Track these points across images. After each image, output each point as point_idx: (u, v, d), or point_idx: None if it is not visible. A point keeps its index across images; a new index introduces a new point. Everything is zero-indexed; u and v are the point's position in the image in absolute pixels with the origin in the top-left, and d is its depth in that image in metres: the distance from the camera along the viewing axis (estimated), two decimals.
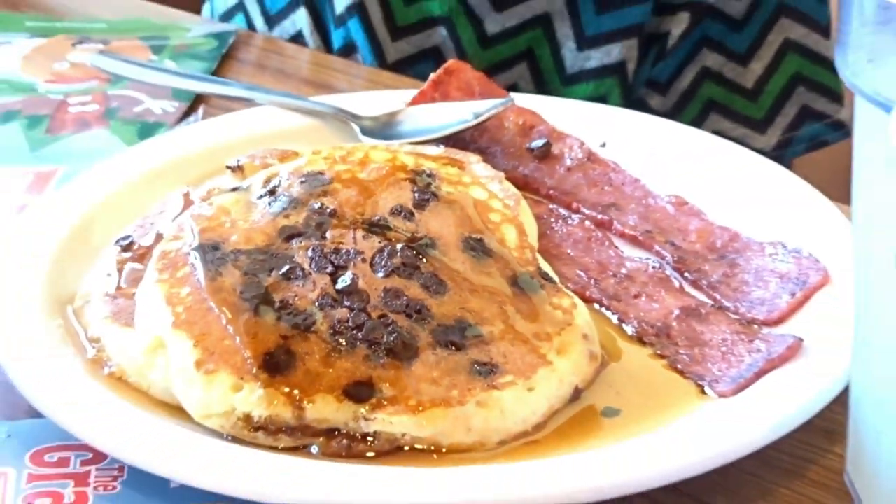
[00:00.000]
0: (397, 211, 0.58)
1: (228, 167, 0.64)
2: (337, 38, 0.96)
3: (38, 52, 0.88)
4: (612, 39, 0.92)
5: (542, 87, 0.91)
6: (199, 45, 0.89)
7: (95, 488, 0.50)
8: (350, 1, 0.94)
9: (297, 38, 0.97)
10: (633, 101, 0.92)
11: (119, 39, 0.90)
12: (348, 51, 0.94)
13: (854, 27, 0.42)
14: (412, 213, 0.58)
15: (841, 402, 0.51)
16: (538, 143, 0.69)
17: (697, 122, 0.95)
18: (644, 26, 0.92)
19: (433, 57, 0.90)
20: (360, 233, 0.56)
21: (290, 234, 0.57)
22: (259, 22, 1.00)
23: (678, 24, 0.92)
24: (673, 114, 0.95)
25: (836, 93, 0.96)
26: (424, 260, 0.56)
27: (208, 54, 0.87)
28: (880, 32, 0.42)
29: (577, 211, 0.66)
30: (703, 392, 0.53)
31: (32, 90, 0.83)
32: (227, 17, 1.01)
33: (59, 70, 0.86)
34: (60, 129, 0.78)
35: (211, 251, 0.55)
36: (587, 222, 0.65)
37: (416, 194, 0.59)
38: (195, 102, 0.79)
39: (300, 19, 0.98)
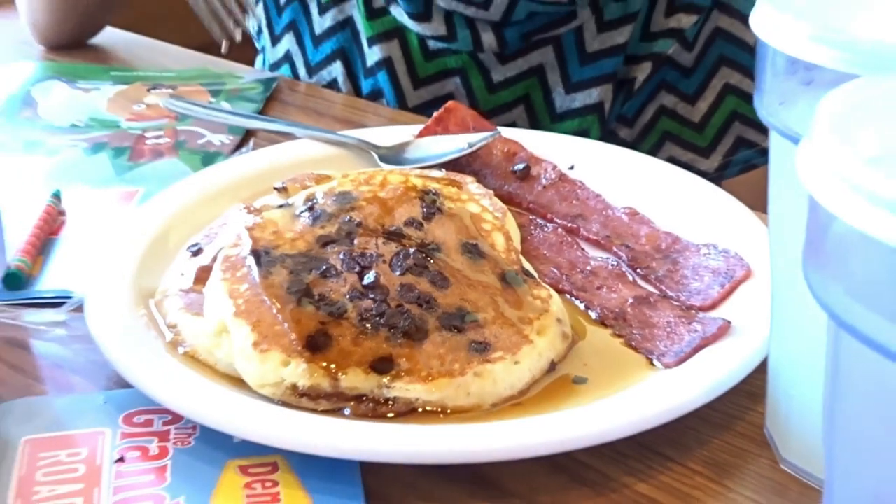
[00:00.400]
0: (409, 222, 0.57)
1: (275, 188, 0.63)
2: (366, 86, 0.94)
3: (121, 96, 0.88)
4: (592, 85, 0.91)
5: (535, 124, 0.90)
6: (249, 89, 0.88)
7: (174, 443, 0.49)
8: (380, 57, 0.92)
9: (332, 85, 0.95)
10: (607, 132, 0.92)
11: (185, 85, 0.90)
12: (375, 96, 0.93)
13: (768, 76, 0.42)
14: (421, 224, 0.57)
15: (761, 370, 0.50)
16: (519, 166, 0.68)
17: (656, 148, 0.95)
18: (616, 74, 0.91)
19: (447, 101, 0.89)
20: (380, 240, 0.55)
21: (325, 242, 0.55)
22: (302, 71, 0.97)
23: (642, 72, 0.92)
24: (637, 142, 0.95)
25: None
26: (431, 261, 0.54)
27: (257, 96, 0.86)
28: (789, 80, 0.41)
29: (551, 220, 0.64)
30: (652, 364, 0.53)
31: (117, 126, 0.82)
32: (275, 67, 0.99)
33: (138, 110, 0.85)
34: (139, 158, 0.78)
35: (263, 255, 0.54)
36: (559, 230, 0.63)
37: (424, 209, 0.58)
38: (246, 136, 0.77)
39: (336, 70, 0.95)
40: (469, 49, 0.90)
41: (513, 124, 0.93)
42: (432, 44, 0.91)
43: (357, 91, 0.95)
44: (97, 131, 0.81)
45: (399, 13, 0.89)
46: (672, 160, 0.77)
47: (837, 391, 0.33)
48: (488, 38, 0.89)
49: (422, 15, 0.88)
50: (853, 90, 0.31)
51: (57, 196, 0.70)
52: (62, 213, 0.69)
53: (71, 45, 0.97)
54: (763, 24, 0.40)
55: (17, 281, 0.60)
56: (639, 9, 0.89)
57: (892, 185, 0.27)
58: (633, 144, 0.94)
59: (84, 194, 0.72)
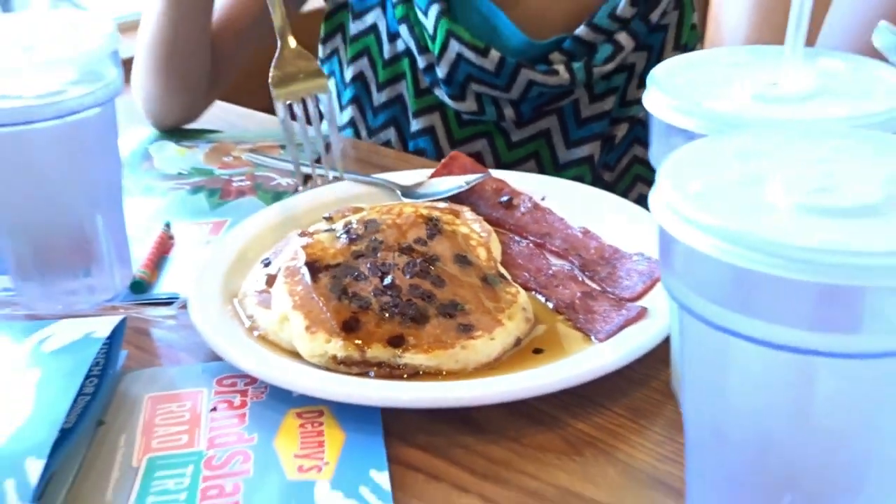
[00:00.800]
0: (417, 240, 0.58)
1: (324, 218, 0.64)
2: (412, 146, 0.92)
3: (214, 151, 0.87)
4: (585, 142, 0.89)
5: (543, 173, 0.85)
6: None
7: (251, 398, 0.52)
8: (422, 126, 0.91)
9: (387, 145, 0.93)
10: (594, 177, 0.90)
11: (261, 142, 0.88)
12: (419, 153, 0.90)
13: (654, 137, 0.44)
14: (426, 242, 0.58)
15: (668, 342, 0.52)
16: (504, 198, 0.69)
17: (629, 188, 0.94)
18: (603, 133, 0.89)
19: (475, 156, 0.86)
20: (396, 253, 0.56)
21: (357, 255, 0.57)
22: (363, 134, 0.95)
23: (621, 130, 0.90)
24: (615, 183, 0.93)
25: None
26: (432, 268, 0.56)
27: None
28: (671, 139, 0.42)
29: (525, 238, 0.65)
30: (590, 340, 0.54)
31: (211, 174, 0.82)
32: (341, 129, 0.95)
33: (227, 161, 0.85)
34: (227, 197, 0.77)
35: (312, 266, 0.56)
36: (531, 244, 0.64)
37: (428, 231, 0.59)
38: (306, 179, 0.75)
39: (390, 133, 0.93)
40: (494, 119, 0.89)
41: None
42: (465, 116, 0.90)
43: (405, 148, 0.93)
44: (196, 178, 0.81)
45: (441, 94, 0.88)
46: (642, 196, 0.76)
47: (684, 351, 0.37)
48: (509, 112, 0.87)
49: (458, 96, 0.87)
50: (688, 149, 0.35)
51: (168, 226, 0.71)
52: (171, 237, 0.70)
53: (179, 125, 0.92)
54: (649, 100, 0.43)
55: (140, 287, 0.63)
56: (620, 84, 0.88)
57: (702, 215, 0.31)
58: (612, 185, 0.93)
59: (187, 224, 0.73)
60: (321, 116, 0.73)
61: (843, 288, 0.29)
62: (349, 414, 0.50)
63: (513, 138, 0.91)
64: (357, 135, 0.96)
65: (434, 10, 0.83)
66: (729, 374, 0.35)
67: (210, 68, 0.90)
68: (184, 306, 0.58)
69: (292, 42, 0.72)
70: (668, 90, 0.42)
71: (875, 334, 0.30)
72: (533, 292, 0.60)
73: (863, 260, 0.28)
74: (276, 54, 0.72)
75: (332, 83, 0.97)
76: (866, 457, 0.35)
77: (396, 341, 0.52)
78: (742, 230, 0.29)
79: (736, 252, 0.29)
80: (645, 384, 0.53)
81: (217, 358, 0.54)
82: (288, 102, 0.71)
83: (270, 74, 0.71)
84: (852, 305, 0.30)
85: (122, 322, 0.54)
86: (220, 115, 0.96)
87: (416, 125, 0.91)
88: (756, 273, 0.29)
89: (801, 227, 0.30)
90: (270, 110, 0.96)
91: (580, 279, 0.60)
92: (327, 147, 0.74)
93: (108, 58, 0.57)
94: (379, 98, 0.93)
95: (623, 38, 0.84)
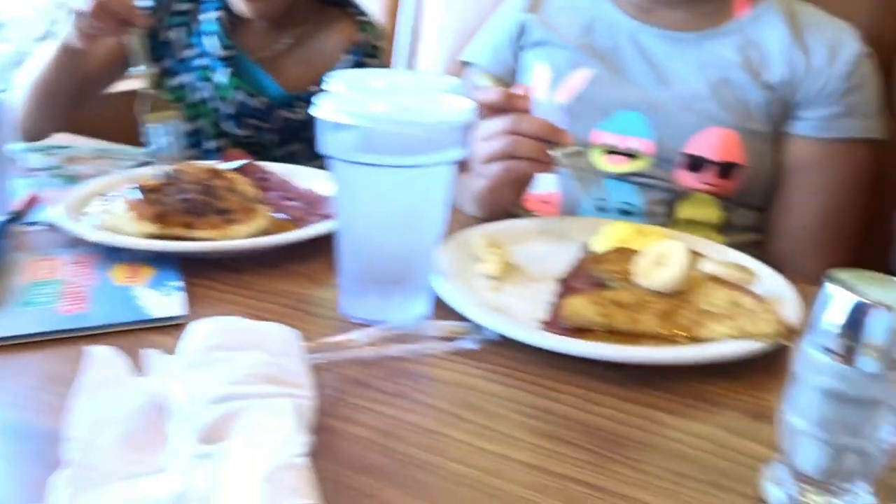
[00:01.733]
0: (205, 179, 0.90)
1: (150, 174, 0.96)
2: (210, 157, 1.24)
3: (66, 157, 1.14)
4: (321, 158, 1.00)
5: None
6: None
7: (92, 265, 0.78)
8: (215, 146, 1.25)
9: (191, 158, 1.20)
10: None
11: (99, 154, 1.15)
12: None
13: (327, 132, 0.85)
14: (210, 181, 0.92)
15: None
16: (261, 174, 1.07)
17: None
18: None
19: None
20: (192, 185, 0.87)
21: (168, 185, 0.88)
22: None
23: None
24: None
25: None
26: (215, 191, 0.86)
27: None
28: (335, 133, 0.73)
29: (275, 190, 1.02)
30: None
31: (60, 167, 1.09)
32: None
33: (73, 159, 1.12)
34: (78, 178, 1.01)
35: (142, 188, 0.85)
36: (278, 195, 1.04)
37: (212, 175, 0.92)
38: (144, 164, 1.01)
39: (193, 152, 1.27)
40: (261, 142, 1.21)
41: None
42: (243, 139, 1.23)
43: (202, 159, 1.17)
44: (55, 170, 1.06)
45: (228, 126, 1.21)
46: None
47: (338, 188, 0.72)
48: (271, 137, 1.21)
49: (239, 126, 1.20)
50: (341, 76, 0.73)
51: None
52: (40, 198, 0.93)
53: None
54: (316, 107, 0.64)
55: (17, 216, 0.88)
56: None
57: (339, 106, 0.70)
58: None
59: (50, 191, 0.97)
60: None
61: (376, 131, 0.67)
62: (157, 263, 0.77)
63: (275, 153, 1.27)
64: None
65: (225, 71, 1.24)
66: (355, 194, 0.62)
67: (72, 101, 1.22)
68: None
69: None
70: (331, 99, 0.66)
71: (423, 155, 0.62)
72: (276, 211, 0.90)
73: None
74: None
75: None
76: (421, 242, 0.67)
77: (189, 225, 0.81)
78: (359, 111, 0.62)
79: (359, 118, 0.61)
80: None
81: (79, 241, 0.79)
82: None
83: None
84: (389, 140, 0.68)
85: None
86: (66, 138, 1.27)
87: (212, 145, 1.29)
88: (368, 129, 0.59)
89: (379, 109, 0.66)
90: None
91: (303, 206, 0.94)
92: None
93: None
94: (185, 128, 1.29)
95: None
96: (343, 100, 0.65)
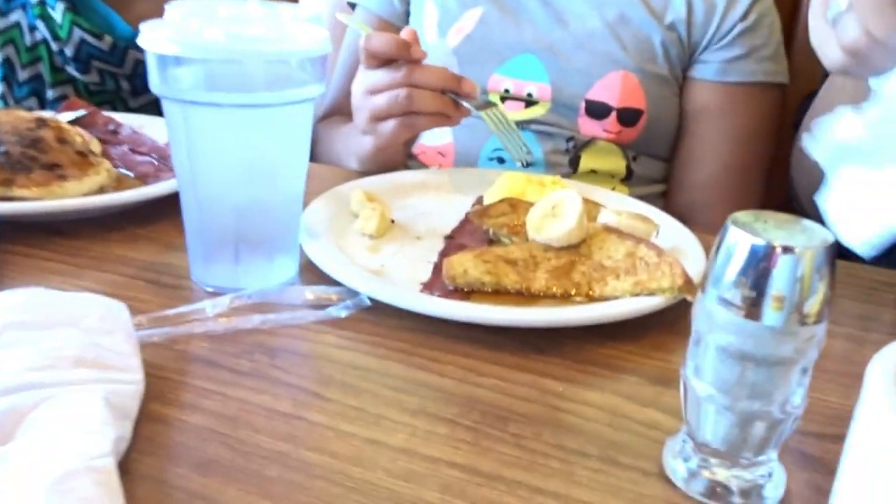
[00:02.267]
0: (29, 129, 0.81)
1: None
2: (50, 108, 1.15)
3: None
4: None
5: None
6: None
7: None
8: (57, 94, 1.16)
9: (31, 110, 1.04)
10: None
11: None
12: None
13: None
14: (35, 129, 0.82)
15: None
16: (111, 127, 0.95)
17: None
18: None
19: None
20: (13, 136, 0.79)
21: None
22: (11, 102, 1.18)
23: None
24: None
25: None
26: (39, 143, 0.81)
27: None
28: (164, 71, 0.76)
29: (125, 144, 0.97)
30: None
31: None
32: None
33: None
34: None
35: None
36: (128, 148, 0.96)
37: (37, 124, 0.82)
38: None
39: (32, 102, 1.18)
40: (114, 89, 1.15)
41: None
42: (92, 87, 1.15)
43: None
44: None
45: (71, 70, 1.13)
46: None
47: (184, 137, 0.66)
48: (125, 84, 1.14)
49: (83, 71, 1.13)
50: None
51: None
52: None
53: None
54: (144, 37, 0.64)
55: None
56: None
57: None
58: None
59: None
60: None
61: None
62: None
63: (131, 105, 1.19)
64: (6, 103, 1.19)
65: (60, 7, 1.12)
66: (196, 141, 0.59)
67: None
68: None
69: None
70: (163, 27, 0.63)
71: (272, 93, 0.57)
72: (122, 167, 0.87)
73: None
74: None
75: None
76: (278, 196, 0.65)
77: (7, 182, 0.75)
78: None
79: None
80: None
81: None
82: None
83: None
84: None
85: None
86: None
87: (52, 94, 1.17)
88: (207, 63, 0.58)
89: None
90: None
91: (152, 161, 0.89)
92: None
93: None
94: (22, 75, 1.18)
95: None
96: (176, 29, 0.56)
